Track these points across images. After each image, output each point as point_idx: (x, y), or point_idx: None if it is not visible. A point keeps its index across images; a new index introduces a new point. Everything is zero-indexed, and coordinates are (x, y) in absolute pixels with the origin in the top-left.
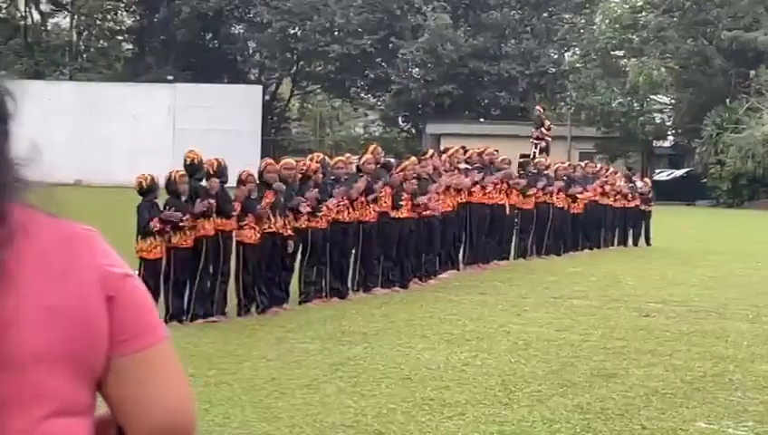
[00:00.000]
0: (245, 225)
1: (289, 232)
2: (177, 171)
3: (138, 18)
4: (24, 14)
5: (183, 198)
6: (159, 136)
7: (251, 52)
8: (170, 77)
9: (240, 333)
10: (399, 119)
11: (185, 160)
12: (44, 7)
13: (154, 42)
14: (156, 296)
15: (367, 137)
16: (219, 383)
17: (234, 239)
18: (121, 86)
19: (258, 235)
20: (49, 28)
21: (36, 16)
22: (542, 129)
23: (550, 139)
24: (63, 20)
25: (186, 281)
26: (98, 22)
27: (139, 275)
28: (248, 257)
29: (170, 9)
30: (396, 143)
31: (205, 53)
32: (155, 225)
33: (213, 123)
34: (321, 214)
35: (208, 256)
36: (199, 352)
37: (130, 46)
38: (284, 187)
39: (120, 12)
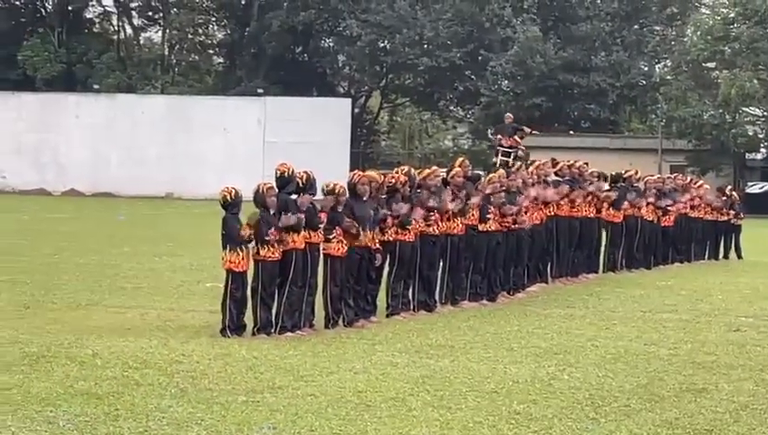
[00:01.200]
0: (334, 238)
1: (376, 245)
2: (265, 184)
3: (228, 32)
4: (117, 28)
5: (271, 211)
6: (249, 149)
7: (340, 65)
8: (260, 90)
9: (327, 345)
10: (489, 131)
11: (275, 173)
12: (137, 22)
13: (244, 55)
14: (243, 308)
15: (456, 150)
16: (306, 395)
17: (321, 252)
18: (212, 99)
19: (345, 247)
20: (141, 42)
21: (129, 31)
22: (516, 137)
23: (524, 148)
24: (156, 34)
25: (273, 293)
26: (189, 36)
27: (226, 286)
28: (336, 270)
29: (261, 23)
30: (485, 156)
31: (295, 66)
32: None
33: (302, 136)
34: (409, 227)
35: (296, 268)
36: (286, 365)
37: (221, 60)
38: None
39: (211, 26)
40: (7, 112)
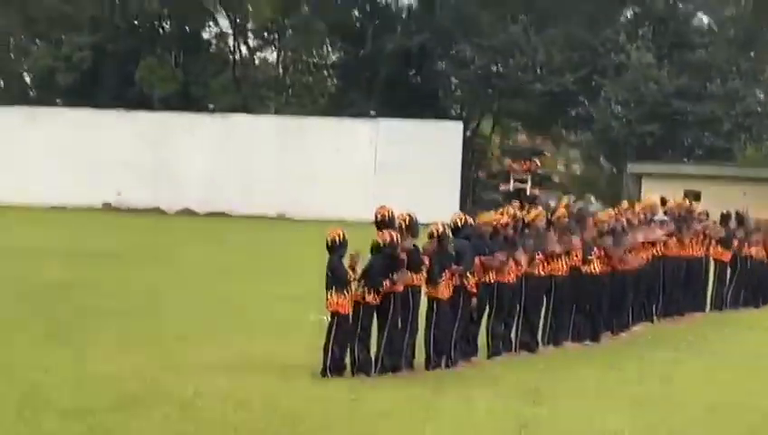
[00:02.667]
0: (441, 281)
1: (473, 287)
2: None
3: (343, 54)
4: (232, 49)
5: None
6: (361, 170)
7: (453, 88)
8: (373, 112)
9: (427, 388)
10: (601, 157)
11: (376, 217)
12: (253, 43)
13: (358, 77)
14: (345, 349)
15: (568, 175)
16: None
17: (422, 293)
18: (325, 120)
19: (450, 290)
20: (256, 63)
21: (245, 51)
22: (536, 160)
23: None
24: (270, 55)
25: (373, 334)
26: (303, 57)
27: (330, 327)
28: (440, 312)
29: (375, 45)
30: (597, 182)
31: (407, 88)
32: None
33: (414, 158)
34: (507, 269)
35: (396, 310)
36: (384, 408)
37: (335, 81)
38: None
39: (325, 47)
40: (124, 131)
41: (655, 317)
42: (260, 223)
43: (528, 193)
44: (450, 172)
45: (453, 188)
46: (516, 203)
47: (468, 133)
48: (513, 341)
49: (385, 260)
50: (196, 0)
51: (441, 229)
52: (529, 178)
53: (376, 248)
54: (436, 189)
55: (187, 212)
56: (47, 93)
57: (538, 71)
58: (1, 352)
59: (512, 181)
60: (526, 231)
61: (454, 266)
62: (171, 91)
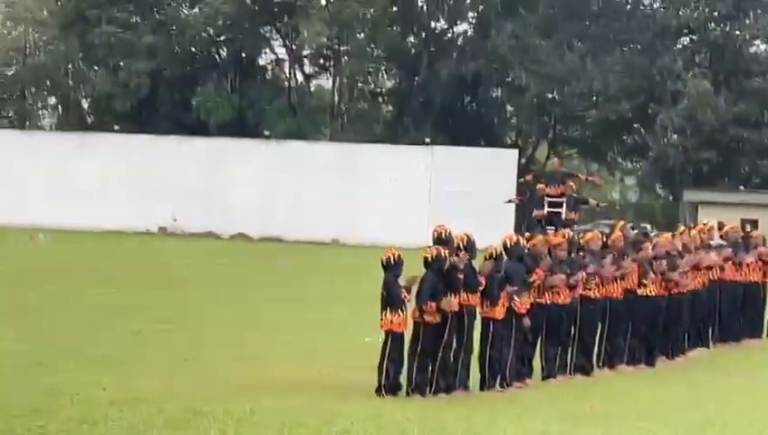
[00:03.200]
0: (498, 302)
1: (521, 308)
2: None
3: (398, 81)
4: (288, 75)
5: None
6: (415, 197)
7: (508, 115)
8: (428, 139)
9: (480, 408)
10: (657, 185)
11: (433, 235)
12: (308, 69)
13: (413, 104)
14: (400, 368)
15: (623, 203)
16: None
17: (477, 314)
18: (379, 147)
19: (505, 311)
20: (312, 90)
21: (300, 78)
22: (570, 183)
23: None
24: (326, 82)
25: (430, 354)
26: (359, 84)
27: (385, 347)
28: (495, 333)
29: (430, 72)
30: (653, 210)
31: (462, 115)
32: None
33: (468, 186)
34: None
35: (452, 330)
36: (438, 428)
37: (390, 108)
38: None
39: (380, 74)
40: (180, 156)
41: (711, 343)
42: (314, 248)
43: (564, 217)
44: (505, 199)
45: (508, 215)
46: (551, 229)
47: (523, 161)
48: (568, 363)
49: (436, 276)
50: (253, 27)
51: (498, 250)
52: (564, 201)
53: (425, 264)
54: (490, 217)
55: (242, 237)
56: (104, 119)
57: (594, 98)
58: (58, 370)
59: (545, 206)
60: (581, 253)
61: (507, 287)
62: (227, 117)
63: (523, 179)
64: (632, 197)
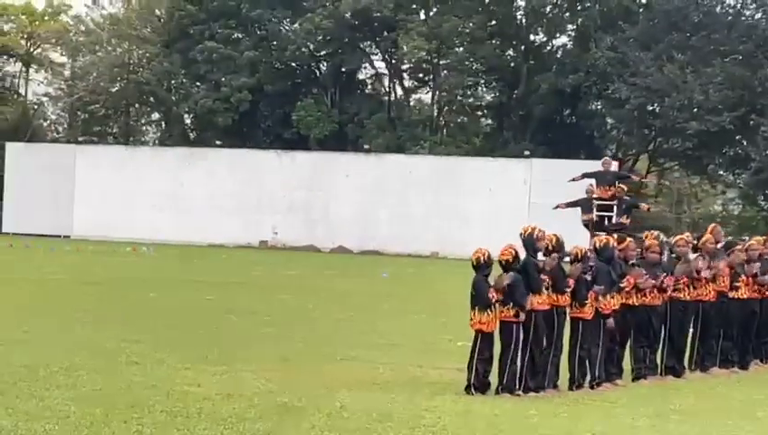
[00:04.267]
0: (587, 302)
1: (607, 309)
2: (510, 250)
3: (497, 94)
4: (388, 89)
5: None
6: (514, 210)
7: (608, 128)
8: (527, 152)
9: (569, 406)
10: (759, 197)
11: (521, 234)
12: (408, 83)
13: (512, 117)
14: (489, 367)
15: (725, 215)
16: None
17: (567, 314)
18: (478, 160)
19: (593, 311)
20: (411, 103)
21: (400, 92)
22: (621, 185)
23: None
24: (425, 95)
25: (519, 354)
26: (458, 98)
27: (474, 345)
28: (585, 333)
29: (529, 85)
30: (755, 222)
31: (562, 128)
32: (493, 297)
33: (568, 198)
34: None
35: (539, 330)
36: (526, 424)
37: (489, 121)
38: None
39: (480, 88)
40: (281, 171)
41: None
42: (413, 261)
43: (614, 222)
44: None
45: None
46: (602, 235)
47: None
48: (659, 365)
49: (523, 279)
50: (353, 41)
51: (584, 251)
52: (615, 205)
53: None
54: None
55: (341, 250)
56: (206, 134)
57: (694, 110)
58: (157, 369)
59: (594, 209)
60: (671, 255)
61: (595, 287)
62: (327, 131)
63: (571, 179)
64: (735, 209)
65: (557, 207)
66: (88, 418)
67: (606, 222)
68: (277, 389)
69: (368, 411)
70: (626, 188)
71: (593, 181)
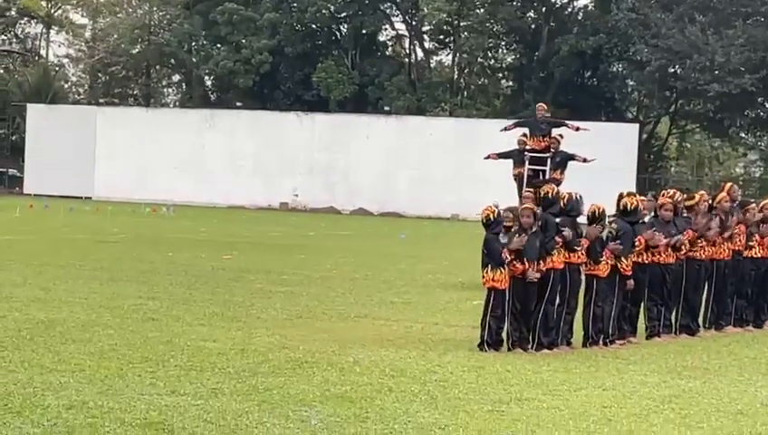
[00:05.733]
0: (601, 260)
1: (626, 269)
2: (525, 206)
3: (517, 56)
4: (408, 51)
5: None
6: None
7: (629, 90)
8: (548, 114)
9: (581, 363)
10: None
11: (540, 193)
12: (428, 45)
13: (533, 79)
14: (502, 324)
15: (746, 177)
16: (550, 408)
17: (582, 272)
18: (499, 122)
19: (608, 269)
20: (432, 65)
21: (420, 54)
22: (556, 135)
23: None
24: (446, 57)
25: (531, 311)
26: (479, 59)
27: (487, 303)
28: (598, 290)
29: (550, 47)
30: None
31: (582, 90)
32: (506, 256)
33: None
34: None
35: (554, 287)
36: (537, 379)
37: (509, 83)
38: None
39: (500, 50)
40: (302, 133)
41: None
42: (432, 223)
43: (548, 177)
44: (626, 175)
45: (629, 187)
46: (530, 193)
47: (644, 135)
48: (673, 324)
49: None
50: (373, 3)
51: (601, 209)
52: (549, 159)
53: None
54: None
55: (362, 212)
56: (227, 96)
57: (716, 72)
58: (172, 325)
59: (526, 163)
60: (687, 214)
61: (611, 244)
62: (347, 93)
63: (504, 129)
64: (756, 171)
65: (488, 157)
66: (103, 371)
67: (540, 177)
68: (291, 345)
69: (380, 367)
70: (561, 139)
71: (526, 131)
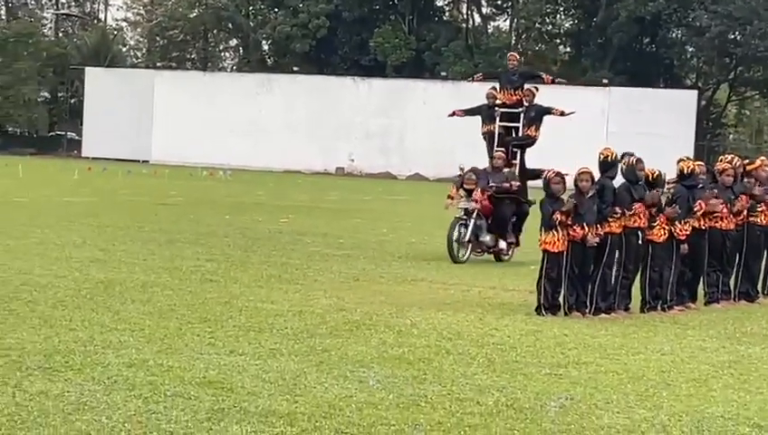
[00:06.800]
0: (657, 225)
1: (681, 234)
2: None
3: (576, 22)
4: (466, 16)
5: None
6: (591, 138)
7: (688, 56)
8: (605, 80)
9: (639, 328)
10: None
11: (599, 157)
12: (486, 10)
13: (591, 45)
14: (558, 288)
15: None
16: (608, 372)
17: (640, 237)
18: (556, 88)
19: (666, 234)
20: (489, 31)
21: (478, 19)
22: (531, 88)
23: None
24: (503, 23)
25: (589, 275)
26: (537, 25)
27: (542, 266)
28: (655, 255)
29: (608, 13)
30: None
31: (641, 56)
32: (557, 218)
33: (646, 127)
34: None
35: (611, 251)
36: (595, 343)
37: (567, 49)
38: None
39: (558, 15)
40: (358, 98)
41: None
42: None
43: (522, 135)
44: (683, 141)
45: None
46: (500, 152)
47: (703, 102)
48: (732, 290)
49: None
50: None
51: (657, 173)
52: (522, 113)
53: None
54: (668, 159)
55: (417, 177)
56: (283, 61)
57: None
58: (230, 286)
59: (497, 120)
60: (746, 180)
61: (668, 209)
62: (404, 58)
63: (470, 79)
64: None
65: (452, 114)
66: (162, 331)
67: (513, 134)
68: (348, 307)
69: (438, 329)
70: (536, 91)
71: (496, 85)
